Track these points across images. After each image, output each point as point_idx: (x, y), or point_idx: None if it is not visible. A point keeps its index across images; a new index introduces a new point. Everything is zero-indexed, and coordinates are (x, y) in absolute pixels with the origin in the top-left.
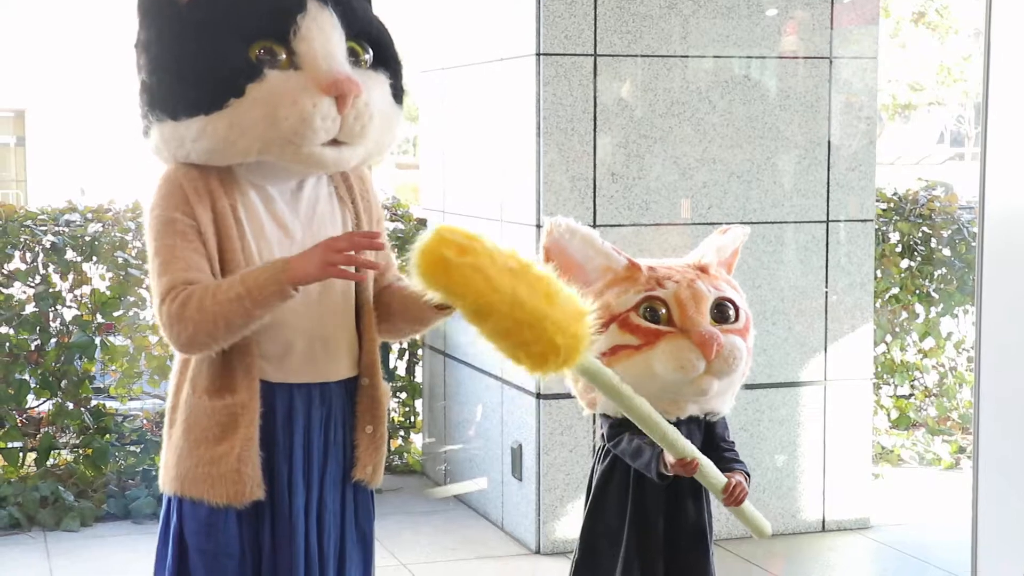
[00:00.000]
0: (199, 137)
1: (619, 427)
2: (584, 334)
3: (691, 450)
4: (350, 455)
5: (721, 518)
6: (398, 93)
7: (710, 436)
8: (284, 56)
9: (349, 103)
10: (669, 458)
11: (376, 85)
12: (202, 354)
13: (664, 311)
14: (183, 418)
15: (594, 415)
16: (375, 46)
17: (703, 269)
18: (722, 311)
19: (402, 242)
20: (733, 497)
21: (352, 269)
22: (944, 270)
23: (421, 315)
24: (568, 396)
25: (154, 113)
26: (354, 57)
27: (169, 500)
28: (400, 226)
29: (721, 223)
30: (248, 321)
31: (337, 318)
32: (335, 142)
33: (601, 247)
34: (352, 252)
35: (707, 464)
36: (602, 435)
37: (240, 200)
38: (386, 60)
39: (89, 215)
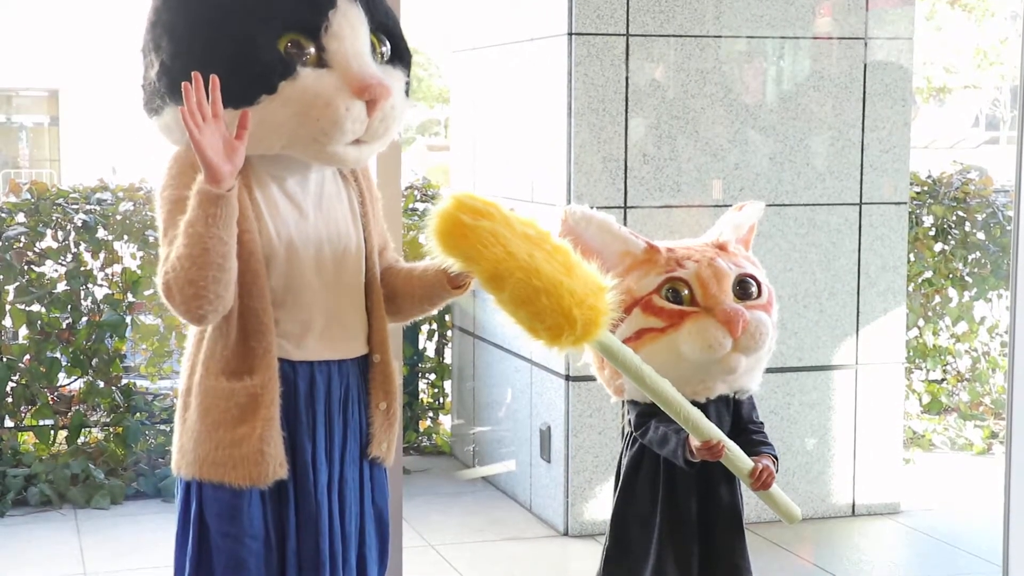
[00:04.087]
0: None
1: (646, 415)
2: (603, 309)
3: (716, 432)
4: (366, 432)
5: (751, 502)
6: (408, 87)
7: (738, 417)
8: (313, 51)
9: (379, 107)
10: (695, 443)
11: (395, 83)
12: (207, 312)
13: (686, 291)
14: (199, 401)
15: (622, 401)
16: (391, 38)
17: (722, 247)
18: (744, 288)
19: None
20: (760, 481)
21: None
22: (978, 254)
23: (429, 295)
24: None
25: (173, 97)
26: (372, 51)
27: (188, 484)
28: (431, 207)
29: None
30: (206, 245)
31: (351, 296)
32: (356, 141)
33: (618, 232)
34: (198, 115)
35: (733, 447)
36: (629, 421)
37: (254, 180)
38: (401, 54)
39: (120, 194)
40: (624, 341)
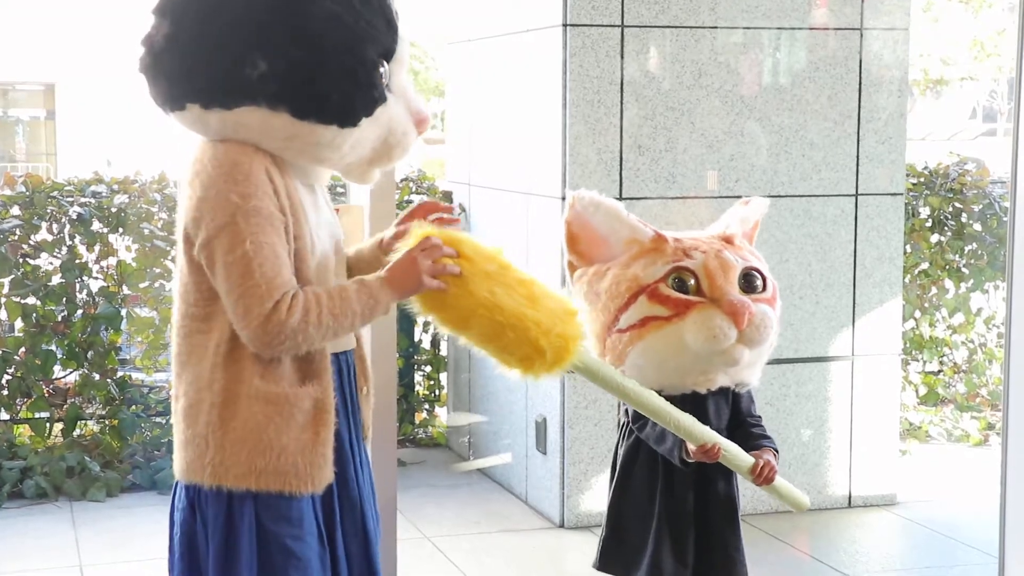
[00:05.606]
0: (321, 144)
1: None
2: (573, 334)
3: (710, 435)
4: (360, 417)
5: (747, 493)
6: None
7: (736, 410)
8: (386, 76)
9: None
10: (691, 446)
11: None
12: (280, 355)
13: (693, 281)
14: (258, 409)
15: None
16: None
17: (728, 240)
18: (750, 281)
19: None
20: (762, 477)
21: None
22: (975, 245)
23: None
24: None
25: (273, 103)
26: None
27: (229, 495)
28: (426, 199)
29: (749, 196)
30: (347, 334)
31: None
32: None
33: (626, 219)
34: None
35: (730, 447)
36: (625, 411)
37: (294, 186)
38: None
39: (115, 186)
40: (628, 328)
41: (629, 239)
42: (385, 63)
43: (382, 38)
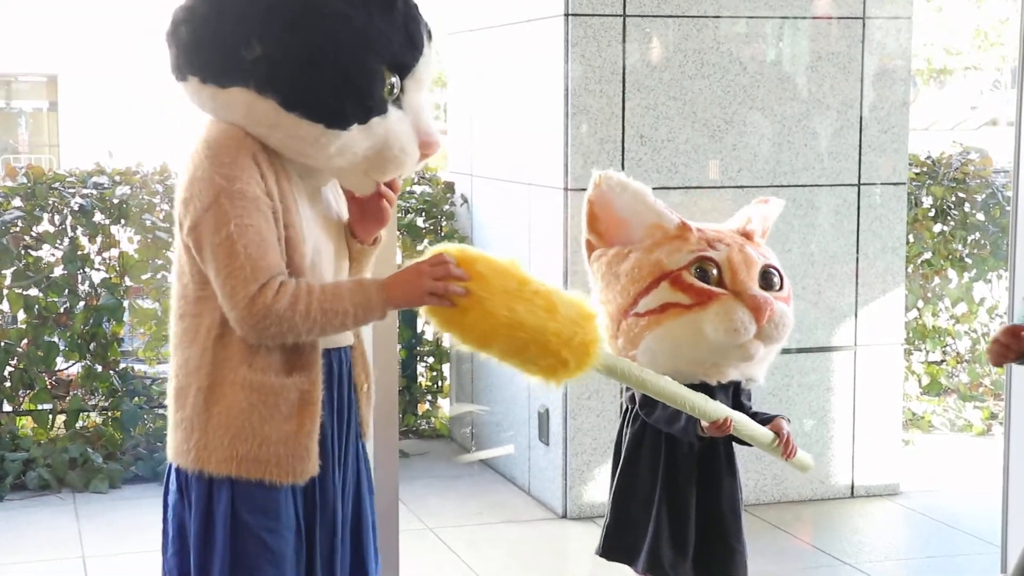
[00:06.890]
0: (305, 139)
1: None
2: (592, 338)
3: (723, 411)
4: (357, 414)
5: (748, 483)
6: None
7: (737, 404)
8: (395, 91)
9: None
10: (704, 422)
11: None
12: (267, 343)
13: (715, 272)
14: (243, 396)
15: None
16: None
17: (748, 235)
18: (768, 278)
19: (430, 206)
20: (788, 448)
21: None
22: (977, 235)
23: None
24: None
25: (263, 89)
26: None
27: (210, 480)
28: (428, 190)
29: (751, 187)
30: (337, 332)
31: None
32: None
33: (653, 204)
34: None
35: (743, 420)
36: (630, 396)
37: (289, 177)
38: None
39: (117, 177)
40: (647, 313)
41: (653, 224)
42: (397, 77)
43: (396, 51)
